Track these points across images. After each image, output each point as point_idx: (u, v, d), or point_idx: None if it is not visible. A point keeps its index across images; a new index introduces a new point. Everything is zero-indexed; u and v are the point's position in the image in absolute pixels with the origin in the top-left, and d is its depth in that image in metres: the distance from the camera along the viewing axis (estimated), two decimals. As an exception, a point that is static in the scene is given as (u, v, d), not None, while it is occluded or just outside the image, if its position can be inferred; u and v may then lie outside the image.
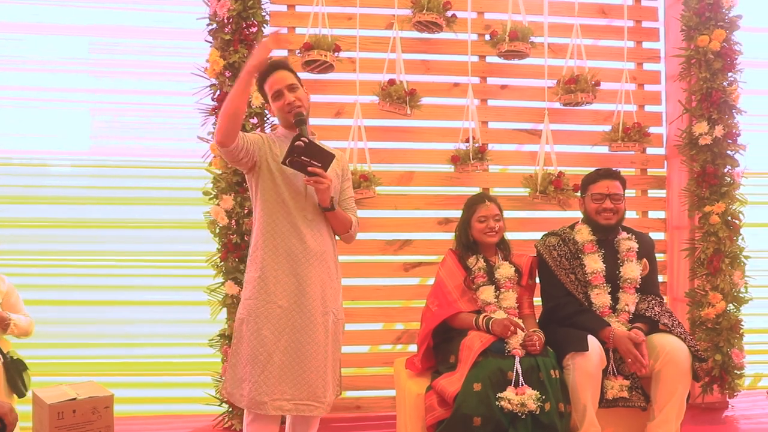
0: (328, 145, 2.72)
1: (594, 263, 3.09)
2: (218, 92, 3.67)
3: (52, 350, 4.25)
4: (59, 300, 4.32)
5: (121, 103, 4.47)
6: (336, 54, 3.73)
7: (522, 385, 2.72)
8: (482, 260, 3.15)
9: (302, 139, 2.42)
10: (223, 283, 3.63)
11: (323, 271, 2.60)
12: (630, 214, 4.08)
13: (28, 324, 3.37)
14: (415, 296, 4.15)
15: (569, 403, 2.81)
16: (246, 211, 3.61)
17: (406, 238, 4.10)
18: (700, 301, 4.04)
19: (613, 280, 3.09)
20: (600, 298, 3.07)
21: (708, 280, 4.03)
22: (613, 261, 3.12)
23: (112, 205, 4.38)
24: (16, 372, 3.23)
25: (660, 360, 2.87)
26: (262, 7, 3.75)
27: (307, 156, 2.45)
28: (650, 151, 4.39)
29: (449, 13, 3.85)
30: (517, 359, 2.78)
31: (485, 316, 2.97)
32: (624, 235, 3.19)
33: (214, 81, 3.69)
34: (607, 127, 4.14)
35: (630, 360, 2.85)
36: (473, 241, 3.20)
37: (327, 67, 3.75)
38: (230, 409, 3.63)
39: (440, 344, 3.08)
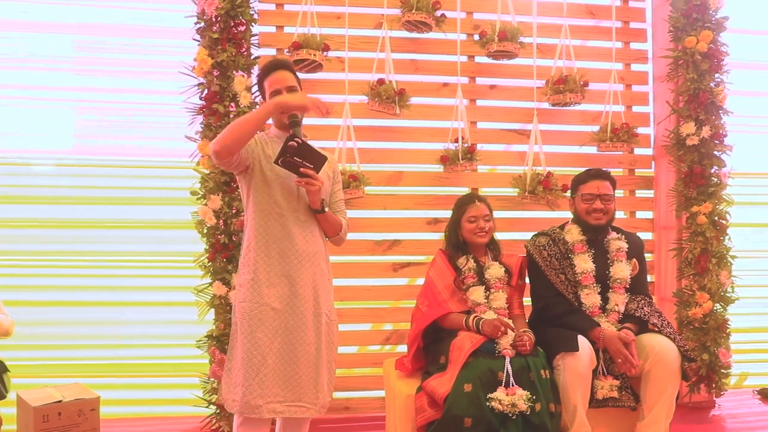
0: (317, 145, 2.71)
1: (584, 263, 3.10)
2: (206, 91, 3.64)
3: (36, 352, 4.20)
4: (43, 301, 4.26)
5: (107, 101, 4.42)
6: (325, 53, 3.72)
7: (512, 385, 2.71)
8: (472, 260, 3.14)
9: (296, 139, 2.41)
10: (210, 284, 3.60)
11: (316, 273, 2.59)
12: (618, 214, 4.08)
13: (9, 324, 3.31)
14: (404, 296, 4.14)
15: (559, 403, 2.81)
16: (234, 211, 3.58)
17: (395, 238, 4.09)
18: (687, 301, 4.07)
19: (603, 280, 3.10)
20: (590, 298, 3.08)
21: (695, 280, 4.06)
22: (602, 261, 3.12)
23: (97, 205, 4.33)
24: None
25: (649, 360, 2.88)
26: (251, 5, 3.72)
27: (300, 157, 2.44)
28: (638, 151, 4.42)
29: (438, 13, 3.84)
30: (508, 360, 2.77)
31: (475, 316, 2.96)
32: (614, 235, 3.20)
33: (201, 80, 3.65)
34: (596, 128, 4.16)
35: (620, 360, 2.86)
36: (463, 242, 3.19)
37: (316, 67, 3.74)
38: (218, 411, 3.60)
39: (430, 345, 3.07)
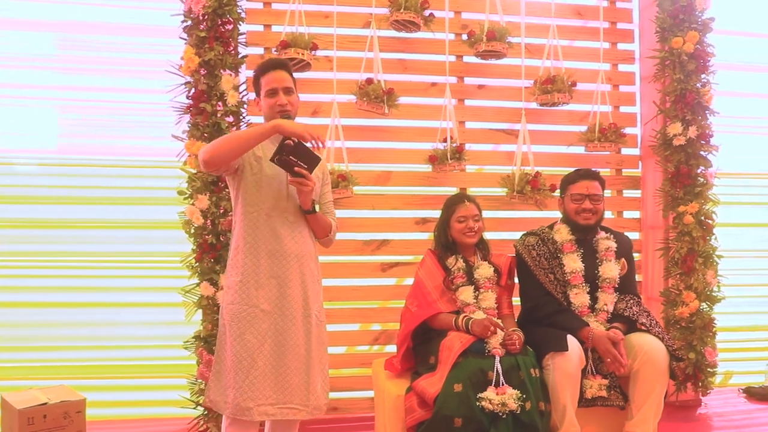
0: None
1: (573, 263, 3.11)
2: (193, 90, 3.60)
3: (21, 353, 4.14)
4: (27, 302, 4.21)
5: (91, 100, 4.37)
6: (313, 52, 3.70)
7: (502, 384, 2.72)
8: (461, 260, 3.14)
9: (292, 138, 2.41)
10: (198, 284, 3.57)
11: (305, 273, 2.57)
12: (605, 214, 4.12)
13: None
14: (392, 296, 4.13)
15: (549, 402, 2.82)
16: (222, 211, 3.56)
17: (384, 238, 4.08)
18: (674, 300, 4.09)
19: (592, 279, 3.11)
20: (579, 297, 3.08)
21: (682, 280, 4.08)
22: (591, 261, 3.14)
23: (81, 205, 4.28)
24: None
25: (638, 359, 2.90)
26: (238, 4, 3.69)
27: (295, 156, 2.43)
28: (625, 151, 4.44)
29: (427, 13, 3.83)
30: (497, 359, 2.78)
31: (465, 316, 2.96)
32: (602, 234, 3.22)
33: (188, 79, 3.61)
34: (583, 128, 4.17)
35: (609, 360, 2.87)
36: (452, 242, 3.19)
37: (304, 66, 3.71)
38: (206, 412, 3.57)
39: (420, 345, 3.07)
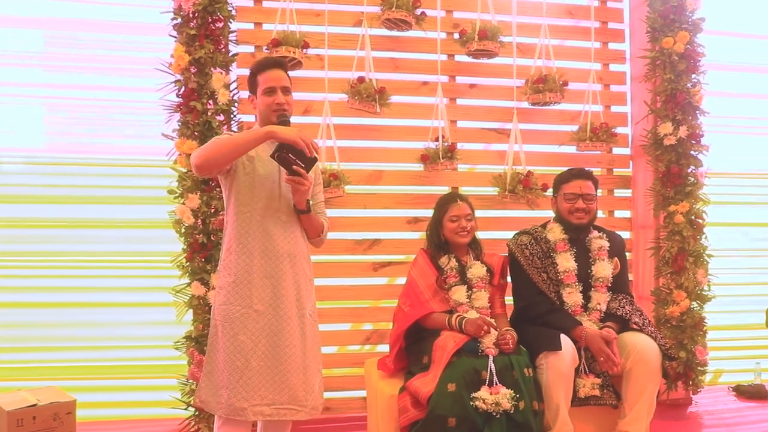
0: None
1: (566, 262, 3.11)
2: (183, 88, 3.58)
3: (9, 354, 4.10)
4: (15, 302, 4.16)
5: (79, 99, 4.32)
6: (304, 51, 3.68)
7: (496, 384, 2.72)
8: (454, 260, 3.14)
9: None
10: (189, 284, 3.54)
11: (298, 273, 2.56)
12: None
13: None
14: (384, 296, 4.12)
15: (542, 402, 2.82)
16: (212, 210, 3.53)
17: (375, 237, 4.07)
18: (665, 299, 4.11)
19: (585, 278, 3.11)
20: (572, 297, 3.09)
21: (672, 279, 4.10)
22: (584, 260, 3.14)
23: (69, 204, 4.24)
24: None
25: (631, 358, 2.90)
26: (229, 1, 3.66)
27: (294, 154, 2.42)
28: (616, 151, 4.45)
29: (418, 11, 3.82)
30: (491, 358, 2.78)
31: (458, 316, 2.96)
32: (595, 233, 3.22)
33: (178, 77, 3.59)
34: (575, 127, 4.18)
35: (602, 359, 2.87)
36: (445, 241, 3.19)
37: (295, 64, 3.69)
38: (197, 413, 3.55)
39: (412, 345, 3.06)
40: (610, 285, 3.13)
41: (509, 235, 3.36)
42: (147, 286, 4.15)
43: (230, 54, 3.70)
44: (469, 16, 4.07)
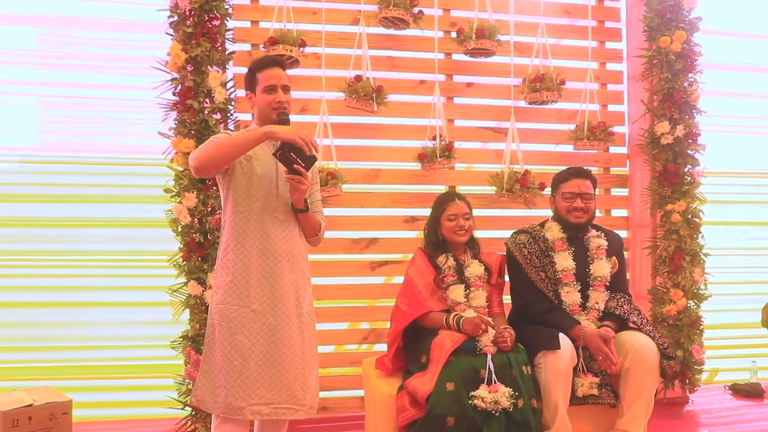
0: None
1: (564, 261, 3.10)
2: (180, 86, 3.56)
3: (4, 354, 4.08)
4: (10, 302, 4.14)
5: (74, 97, 4.31)
6: (301, 49, 3.67)
7: (495, 382, 2.71)
8: (452, 259, 3.13)
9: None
10: (185, 283, 3.53)
11: (296, 272, 2.55)
12: (594, 213, 4.15)
13: None
14: (381, 295, 4.11)
15: (541, 400, 2.81)
16: (209, 209, 3.52)
17: (373, 236, 4.07)
18: (661, 298, 4.12)
19: (583, 278, 3.10)
20: (570, 296, 3.08)
21: (669, 278, 4.11)
22: (582, 259, 3.13)
23: (65, 203, 4.22)
24: None
25: (629, 357, 2.90)
26: (225, -1, 3.66)
27: (295, 153, 2.41)
28: (613, 150, 4.46)
29: (416, 10, 3.81)
30: (489, 357, 2.77)
31: (456, 315, 2.95)
32: (593, 233, 3.21)
33: (175, 75, 3.57)
34: (572, 126, 4.18)
35: (601, 358, 2.87)
36: (442, 240, 3.18)
37: (292, 63, 3.67)
38: (194, 413, 3.53)
39: (410, 344, 3.05)
40: (608, 284, 3.12)
41: (507, 234, 3.36)
42: (143, 286, 4.14)
43: (227, 52, 3.69)
44: (467, 15, 4.07)
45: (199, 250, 3.51)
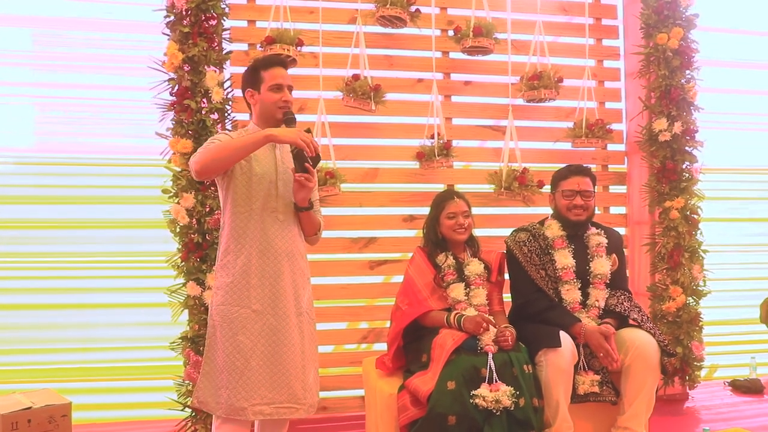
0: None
1: (564, 259, 3.09)
2: (177, 87, 3.54)
3: (3, 357, 4.06)
4: (8, 304, 4.12)
5: (70, 98, 4.29)
6: (299, 48, 3.66)
7: (496, 381, 2.70)
8: (451, 257, 3.12)
9: (309, 132, 2.43)
10: (184, 284, 3.51)
11: (295, 272, 2.55)
12: (593, 210, 4.14)
13: None
14: (380, 294, 4.10)
15: (542, 398, 2.81)
16: (207, 210, 3.50)
17: (371, 235, 4.06)
18: (661, 295, 4.12)
19: (583, 275, 3.10)
20: (570, 293, 3.07)
21: (668, 274, 4.11)
22: (582, 257, 3.13)
23: (62, 204, 4.21)
24: None
25: (630, 355, 2.90)
26: (222, -2, 3.65)
27: (300, 154, 2.44)
28: (611, 147, 4.45)
29: (413, 8, 3.81)
30: (490, 356, 2.77)
31: (456, 313, 2.94)
32: (593, 230, 3.21)
33: (172, 75, 3.56)
34: (570, 124, 4.17)
35: (602, 354, 2.86)
36: (442, 238, 3.17)
37: (290, 62, 3.66)
38: (193, 414, 3.52)
39: (411, 343, 3.04)
40: (608, 281, 3.12)
41: (505, 232, 3.35)
42: (142, 287, 4.12)
43: (224, 52, 3.67)
44: (464, 13, 4.06)
45: (197, 250, 3.49)
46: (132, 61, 4.06)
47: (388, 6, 3.72)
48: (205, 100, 3.54)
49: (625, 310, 3.05)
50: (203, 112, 3.51)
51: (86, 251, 4.19)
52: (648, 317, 3.07)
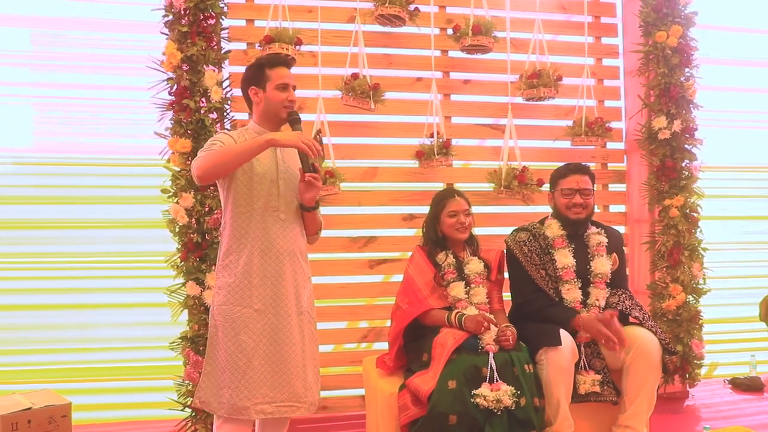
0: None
1: (565, 258, 3.09)
2: (175, 86, 3.54)
3: (3, 357, 4.06)
4: (7, 305, 4.12)
5: (68, 98, 4.29)
6: (297, 47, 3.65)
7: (497, 381, 2.70)
8: (451, 256, 3.12)
9: (319, 134, 2.44)
10: (183, 284, 3.50)
11: (296, 271, 2.55)
12: (592, 209, 4.14)
13: None
14: (380, 293, 4.09)
15: (543, 398, 2.81)
16: (207, 209, 3.49)
17: (371, 234, 4.05)
18: (660, 293, 4.12)
19: (584, 275, 3.09)
20: (571, 293, 3.06)
21: (668, 273, 4.11)
22: (583, 256, 3.12)
23: (61, 204, 4.21)
24: None
25: (631, 353, 2.89)
26: (220, -3, 3.64)
27: (301, 156, 2.46)
28: (610, 145, 4.45)
29: (411, 7, 3.80)
30: (491, 355, 2.76)
31: (457, 312, 2.94)
32: (593, 229, 3.20)
33: (171, 74, 3.55)
34: (569, 122, 4.17)
35: (603, 341, 2.85)
36: (442, 237, 3.17)
37: (291, 61, 3.66)
38: (194, 414, 3.52)
39: (411, 342, 3.04)
40: (609, 281, 3.11)
41: (505, 230, 3.35)
42: (141, 287, 4.12)
43: (222, 51, 3.66)
44: (463, 12, 4.05)
45: (197, 250, 3.49)
46: (131, 60, 4.06)
47: (386, 5, 3.71)
48: (203, 99, 3.53)
49: (626, 308, 3.04)
50: (202, 112, 3.51)
51: (86, 251, 4.19)
52: (649, 315, 3.07)
